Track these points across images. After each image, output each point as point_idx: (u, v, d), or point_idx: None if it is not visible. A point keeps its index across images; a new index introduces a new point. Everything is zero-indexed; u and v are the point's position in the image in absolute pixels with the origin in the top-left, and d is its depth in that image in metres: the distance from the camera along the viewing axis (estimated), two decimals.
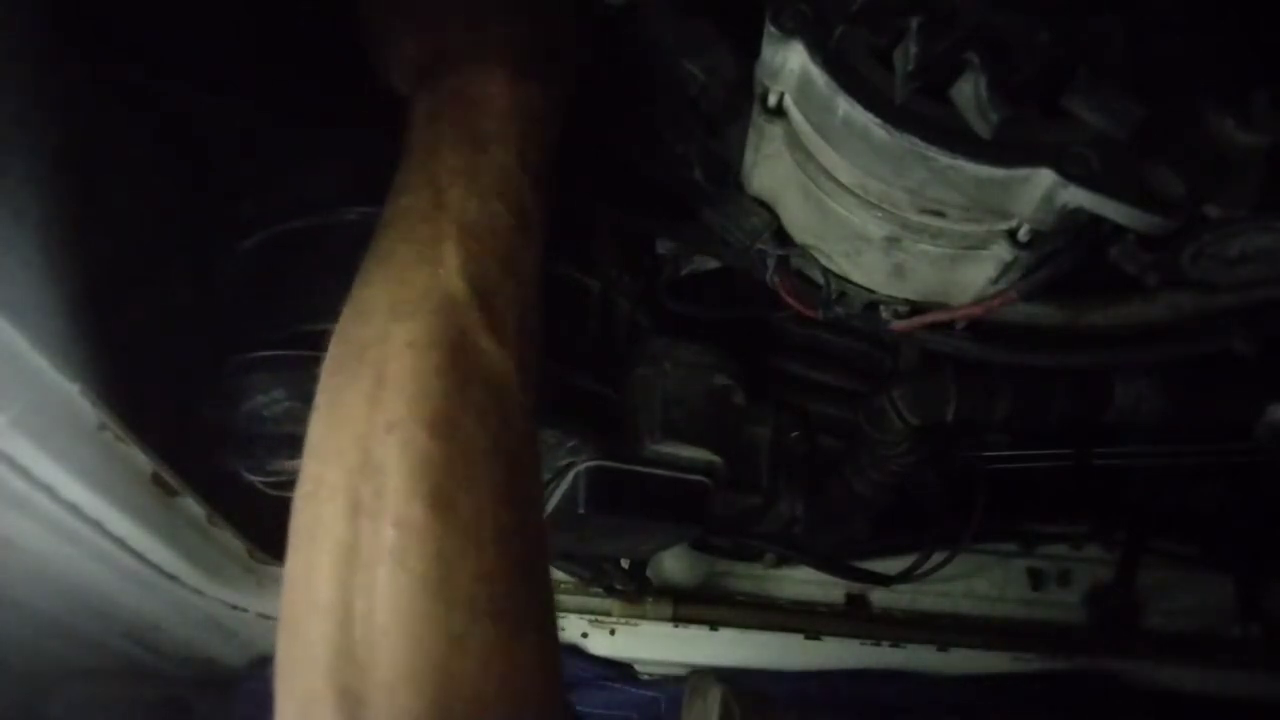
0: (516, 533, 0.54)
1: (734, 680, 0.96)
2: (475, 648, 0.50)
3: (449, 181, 0.59)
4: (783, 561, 1.35)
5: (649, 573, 1.29)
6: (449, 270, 0.56)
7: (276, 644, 0.52)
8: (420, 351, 0.54)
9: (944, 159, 0.51)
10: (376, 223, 0.60)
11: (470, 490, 0.53)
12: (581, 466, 0.84)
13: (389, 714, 0.48)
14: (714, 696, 0.72)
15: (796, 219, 0.68)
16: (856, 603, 1.40)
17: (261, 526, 1.02)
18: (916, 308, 0.70)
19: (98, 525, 0.89)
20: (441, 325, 0.55)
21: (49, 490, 0.80)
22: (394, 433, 0.52)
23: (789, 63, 0.54)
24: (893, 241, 0.62)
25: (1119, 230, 0.55)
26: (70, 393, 0.72)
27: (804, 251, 0.70)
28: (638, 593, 1.26)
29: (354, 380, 0.55)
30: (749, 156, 0.66)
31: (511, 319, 0.58)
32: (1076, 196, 0.51)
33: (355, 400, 0.54)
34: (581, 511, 0.83)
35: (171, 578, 1.05)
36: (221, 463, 0.77)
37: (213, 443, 0.77)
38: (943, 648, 1.39)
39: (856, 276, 0.69)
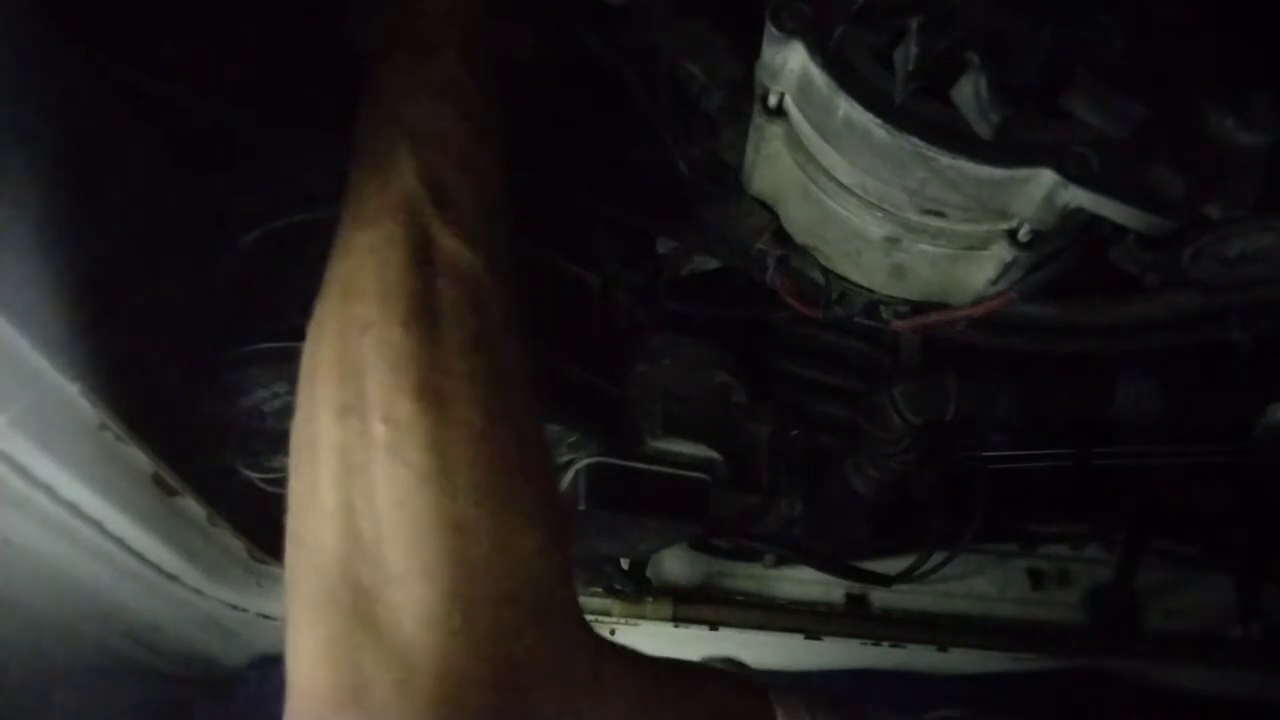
0: (510, 422, 0.54)
1: None
2: (485, 536, 0.49)
3: (396, 94, 0.60)
4: (783, 561, 1.35)
5: (649, 573, 1.29)
6: (402, 174, 0.56)
7: (286, 560, 0.52)
8: (383, 254, 0.54)
9: (944, 159, 0.51)
10: None
11: (455, 380, 0.52)
12: (582, 463, 0.84)
13: (405, 607, 0.47)
14: None
15: (796, 219, 0.68)
16: (856, 603, 1.40)
17: (261, 526, 1.02)
18: (916, 308, 0.70)
19: (98, 525, 0.89)
20: (401, 227, 0.55)
21: (49, 490, 0.80)
22: (369, 333, 0.52)
23: (789, 63, 0.54)
24: (893, 242, 0.62)
25: (1119, 230, 0.55)
26: (70, 393, 0.72)
27: (804, 251, 0.70)
28: (638, 593, 1.26)
29: (325, 299, 0.55)
30: (749, 156, 0.66)
31: (474, 217, 0.57)
32: (1077, 196, 0.51)
33: (328, 314, 0.54)
34: (582, 508, 0.83)
35: (171, 578, 1.05)
36: (221, 459, 0.77)
37: (212, 440, 0.77)
38: (943, 648, 1.39)
39: (856, 277, 0.69)
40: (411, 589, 0.47)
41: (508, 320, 0.57)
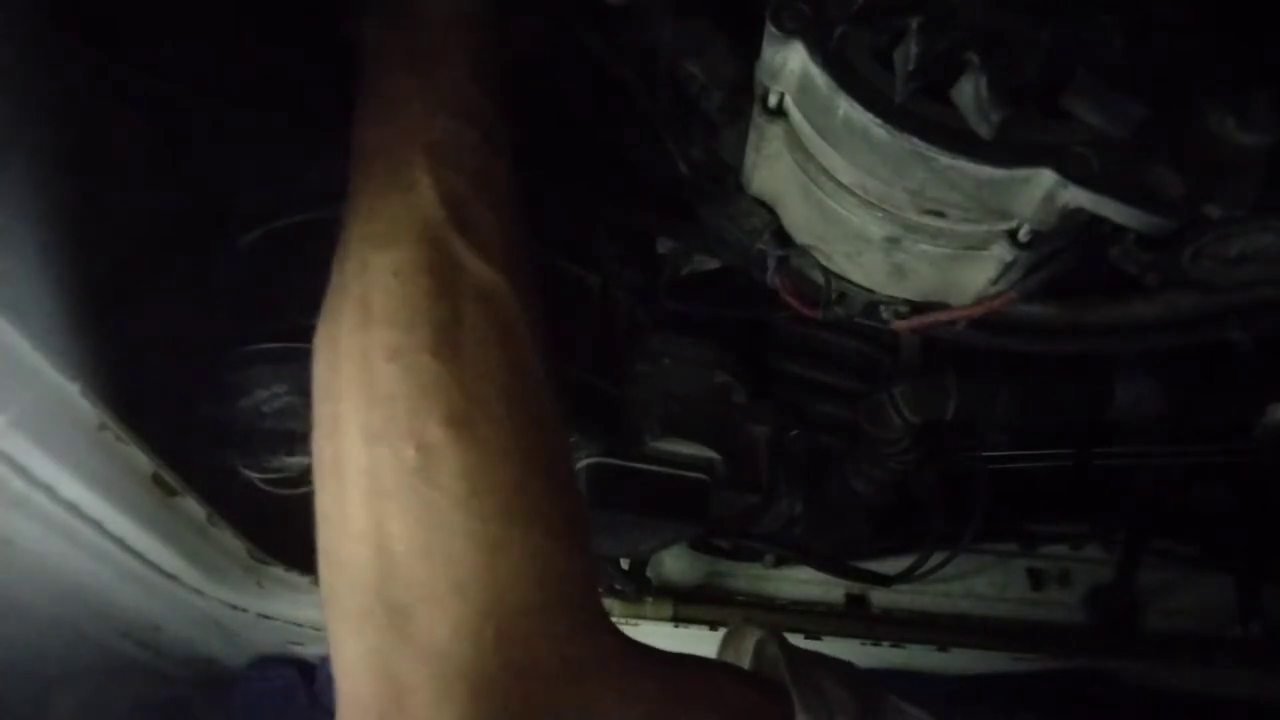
0: (537, 442, 0.55)
1: None
2: (513, 554, 0.51)
3: (403, 105, 0.59)
4: (783, 561, 1.35)
5: (649, 573, 1.29)
6: (420, 194, 0.56)
7: (320, 575, 0.54)
8: (405, 278, 0.54)
9: (944, 159, 0.51)
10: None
11: (484, 405, 0.53)
12: (582, 463, 0.84)
13: (439, 623, 0.49)
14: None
15: (797, 219, 0.68)
16: (856, 603, 1.40)
17: (261, 526, 1.02)
18: (916, 308, 0.70)
19: (97, 525, 0.89)
20: (424, 249, 0.55)
21: (49, 490, 0.80)
22: (396, 360, 0.52)
23: (789, 63, 0.54)
24: (893, 242, 0.62)
25: (1119, 230, 0.55)
26: (70, 393, 0.72)
27: (804, 251, 0.70)
28: (638, 593, 1.26)
29: (341, 318, 0.55)
30: (749, 157, 0.66)
31: (493, 234, 0.57)
32: (1077, 197, 0.51)
33: (347, 334, 0.54)
34: None
35: (171, 578, 1.05)
36: (221, 459, 0.77)
37: (212, 440, 0.77)
38: (943, 648, 1.39)
39: (857, 277, 0.69)
40: (446, 605, 0.49)
41: (533, 335, 0.57)
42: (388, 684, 0.49)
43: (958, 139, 0.51)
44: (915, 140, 0.51)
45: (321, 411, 0.55)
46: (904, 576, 1.24)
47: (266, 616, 1.21)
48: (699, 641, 1.35)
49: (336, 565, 0.53)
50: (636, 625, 1.33)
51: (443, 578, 0.50)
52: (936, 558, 1.22)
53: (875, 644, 1.38)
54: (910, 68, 0.50)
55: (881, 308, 0.72)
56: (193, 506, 0.95)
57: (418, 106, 0.59)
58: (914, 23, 0.49)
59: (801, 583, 1.39)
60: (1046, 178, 0.51)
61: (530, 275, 0.60)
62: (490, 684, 0.49)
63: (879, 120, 0.51)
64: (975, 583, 1.40)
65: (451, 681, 0.48)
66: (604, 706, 0.52)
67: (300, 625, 1.26)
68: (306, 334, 0.58)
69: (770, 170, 0.66)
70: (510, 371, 0.55)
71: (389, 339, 0.53)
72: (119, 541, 0.93)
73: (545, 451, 0.56)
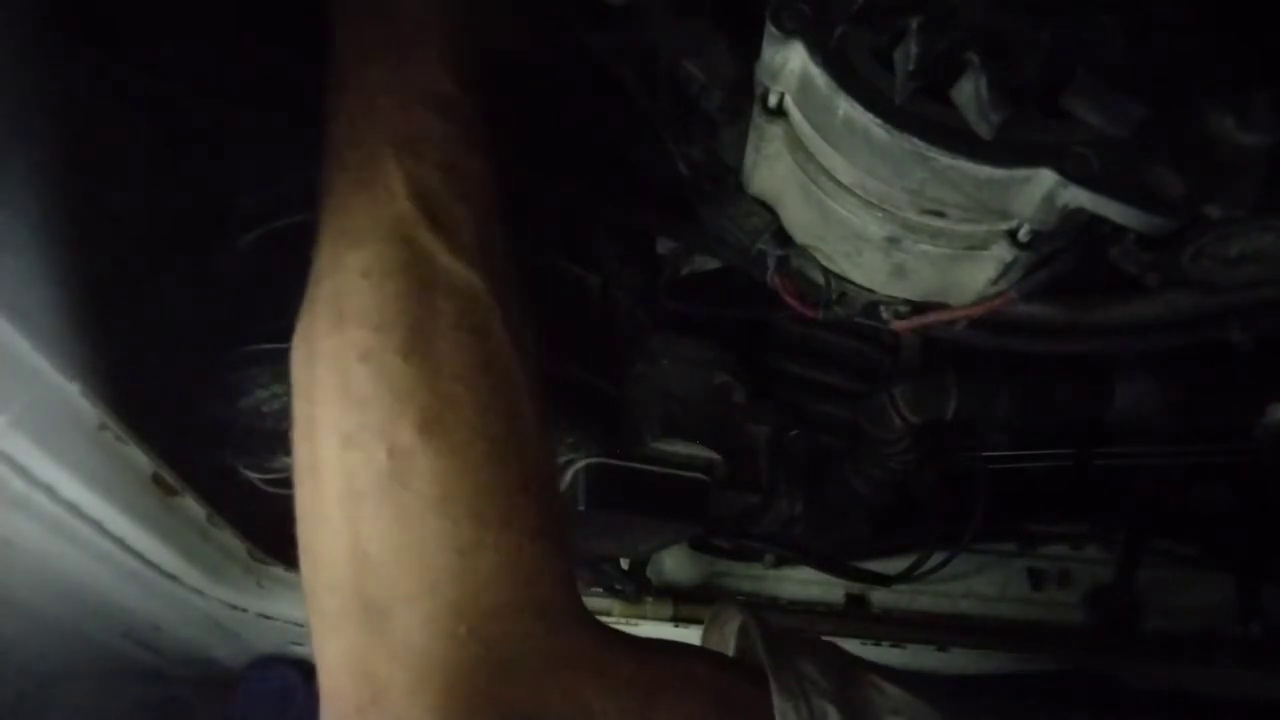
0: (512, 441, 0.55)
1: None
2: (487, 556, 0.51)
3: (376, 99, 0.57)
4: (783, 561, 1.35)
5: (649, 573, 1.29)
6: (392, 190, 0.55)
7: (302, 572, 0.54)
8: (376, 279, 0.53)
9: (944, 159, 0.51)
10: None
11: (456, 407, 0.53)
12: (581, 464, 0.84)
13: (414, 622, 0.49)
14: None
15: (797, 219, 0.68)
16: (856, 603, 1.40)
17: (261, 526, 1.02)
18: (916, 308, 0.70)
19: (98, 525, 0.89)
20: (395, 248, 0.54)
21: (49, 490, 0.80)
22: (368, 362, 0.52)
23: (789, 63, 0.54)
24: (893, 242, 0.62)
25: (1119, 230, 0.55)
26: (70, 393, 0.72)
27: (804, 251, 0.70)
28: (638, 593, 1.26)
29: (315, 318, 0.55)
30: (749, 156, 0.66)
31: (468, 231, 0.56)
32: (1077, 197, 0.51)
33: (321, 335, 0.54)
34: (581, 508, 0.83)
35: (171, 578, 1.05)
36: (221, 459, 0.77)
37: (212, 440, 0.77)
38: (943, 648, 1.39)
39: (857, 276, 0.69)
40: (420, 605, 0.50)
41: (511, 333, 0.57)
42: (365, 681, 0.49)
43: (958, 139, 0.51)
44: (915, 140, 0.51)
45: (298, 411, 0.55)
46: (904, 576, 1.24)
47: (266, 616, 1.21)
48: (698, 641, 1.35)
49: (316, 563, 0.53)
50: (636, 625, 1.33)
51: (416, 578, 0.50)
52: (936, 558, 1.22)
53: (875, 644, 1.38)
54: (910, 68, 0.50)
55: (881, 308, 0.72)
56: (193, 506, 0.95)
57: (391, 100, 0.57)
58: (914, 23, 0.49)
59: (801, 583, 1.39)
60: (1046, 178, 0.51)
61: (509, 271, 0.59)
62: (465, 681, 0.49)
63: (879, 120, 0.51)
64: (975, 583, 1.40)
65: (427, 679, 0.49)
66: (582, 698, 0.52)
67: (300, 625, 1.26)
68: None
69: (770, 170, 0.66)
70: (484, 370, 0.55)
71: (360, 340, 0.52)
72: (119, 541, 0.93)
73: (521, 450, 0.55)
